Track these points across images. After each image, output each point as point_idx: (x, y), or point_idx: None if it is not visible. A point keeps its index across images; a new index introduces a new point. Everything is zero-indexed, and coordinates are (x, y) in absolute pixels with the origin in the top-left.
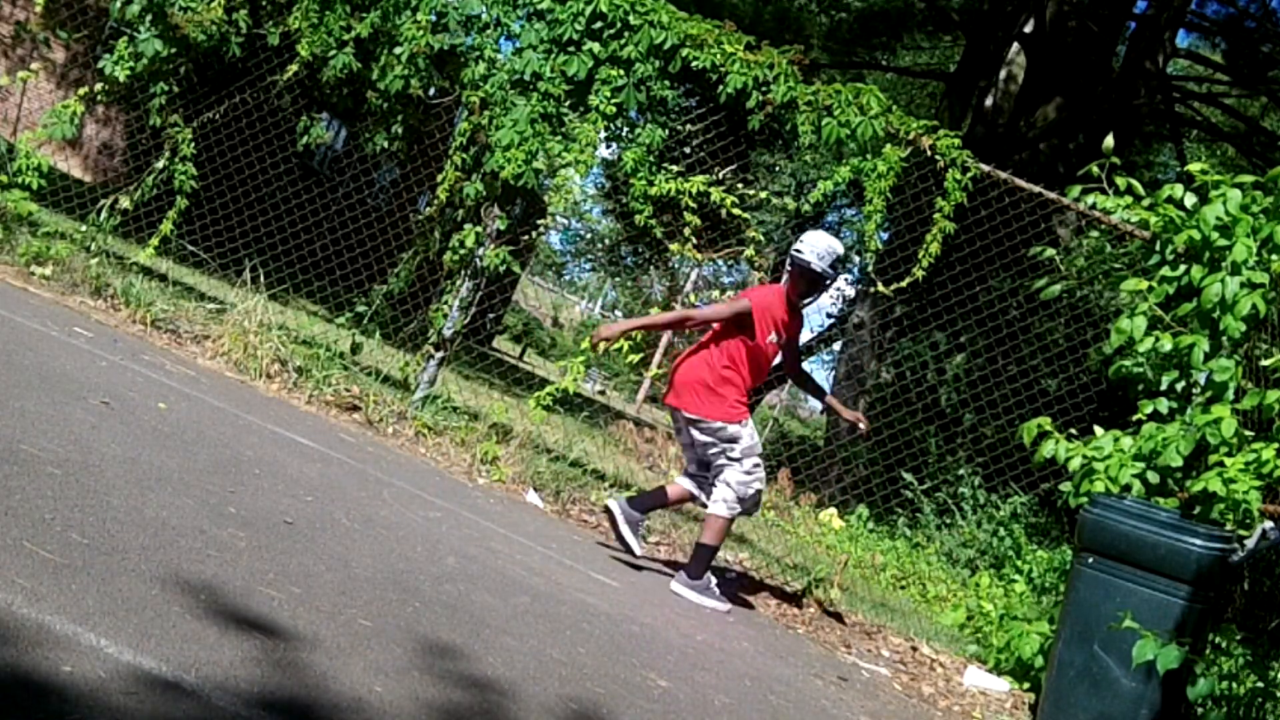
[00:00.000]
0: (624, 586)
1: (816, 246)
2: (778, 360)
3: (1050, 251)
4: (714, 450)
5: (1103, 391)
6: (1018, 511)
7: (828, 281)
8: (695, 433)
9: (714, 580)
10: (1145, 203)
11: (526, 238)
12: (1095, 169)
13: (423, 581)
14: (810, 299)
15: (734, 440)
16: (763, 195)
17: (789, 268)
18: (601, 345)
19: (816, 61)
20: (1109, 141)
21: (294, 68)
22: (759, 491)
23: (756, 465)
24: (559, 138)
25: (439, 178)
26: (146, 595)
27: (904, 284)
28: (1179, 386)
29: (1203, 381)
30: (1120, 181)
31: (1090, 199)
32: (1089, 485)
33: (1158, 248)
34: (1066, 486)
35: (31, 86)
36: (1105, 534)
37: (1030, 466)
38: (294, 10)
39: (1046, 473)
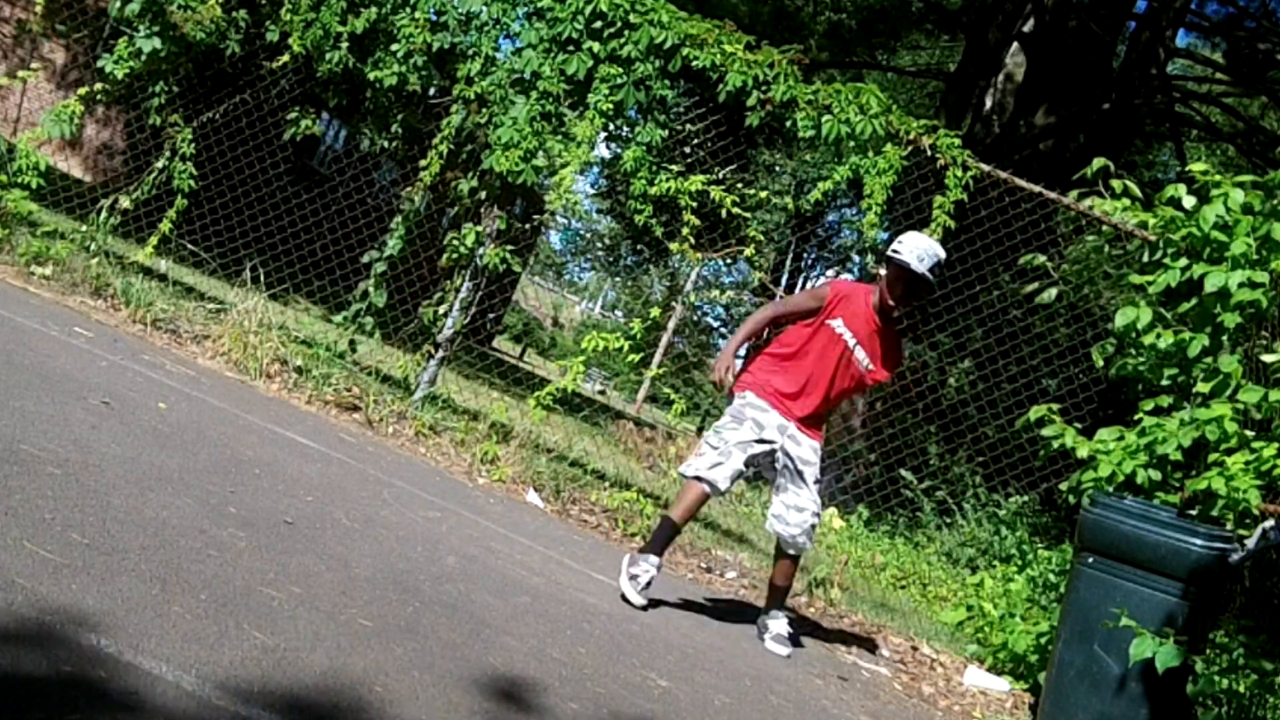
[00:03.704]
0: None
1: (916, 247)
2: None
3: (1040, 259)
4: None
5: (1103, 391)
6: (1019, 510)
7: (925, 286)
8: None
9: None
10: (1141, 203)
11: (525, 235)
12: (1090, 173)
13: (423, 581)
14: (904, 305)
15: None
16: (762, 195)
17: (884, 270)
18: (728, 381)
19: (816, 61)
20: (1099, 159)
21: (284, 58)
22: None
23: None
24: (559, 137)
25: (422, 163)
26: (146, 595)
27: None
28: (1180, 381)
29: (1202, 377)
30: (1116, 185)
31: (1088, 202)
32: (1093, 474)
33: (1160, 245)
34: (1068, 484)
35: (31, 86)
36: (1105, 534)
37: (1032, 465)
38: (286, 4)
39: (1047, 472)
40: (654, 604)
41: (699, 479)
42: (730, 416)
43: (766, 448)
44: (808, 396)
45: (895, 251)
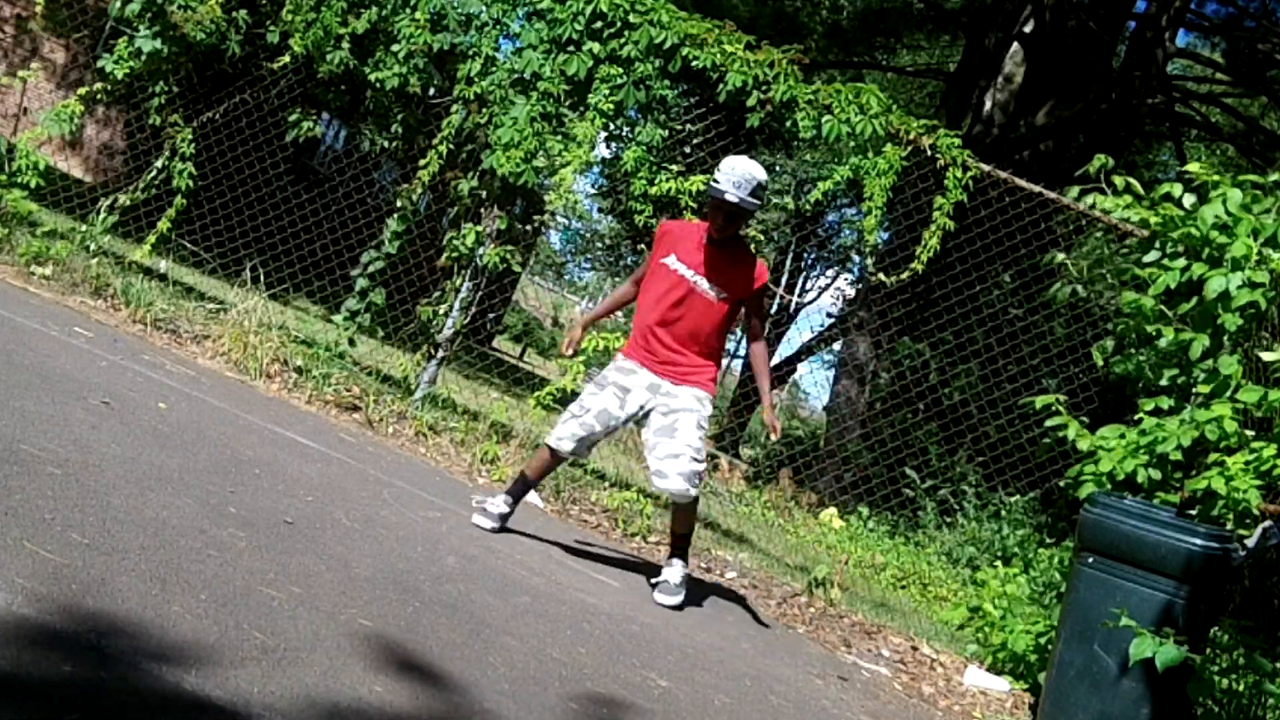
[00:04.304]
0: (624, 586)
1: (733, 173)
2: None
3: (1060, 257)
4: None
5: (1103, 391)
6: (1020, 509)
7: (746, 212)
8: None
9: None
10: (1146, 202)
11: (525, 235)
12: (1092, 170)
13: (423, 581)
14: (727, 232)
15: None
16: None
17: (708, 199)
18: (570, 350)
19: (816, 61)
20: (1100, 156)
21: (284, 59)
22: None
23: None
24: (559, 137)
25: (421, 161)
26: (147, 595)
27: (904, 275)
28: (1180, 382)
29: (1203, 378)
30: (1119, 181)
31: (1090, 199)
32: (1094, 468)
33: (1157, 245)
34: (1067, 476)
35: (31, 86)
36: (1105, 534)
37: (1033, 465)
38: (287, 5)
39: (1047, 471)
40: (654, 604)
41: (549, 446)
42: (594, 384)
43: (636, 411)
44: (669, 343)
45: (715, 181)
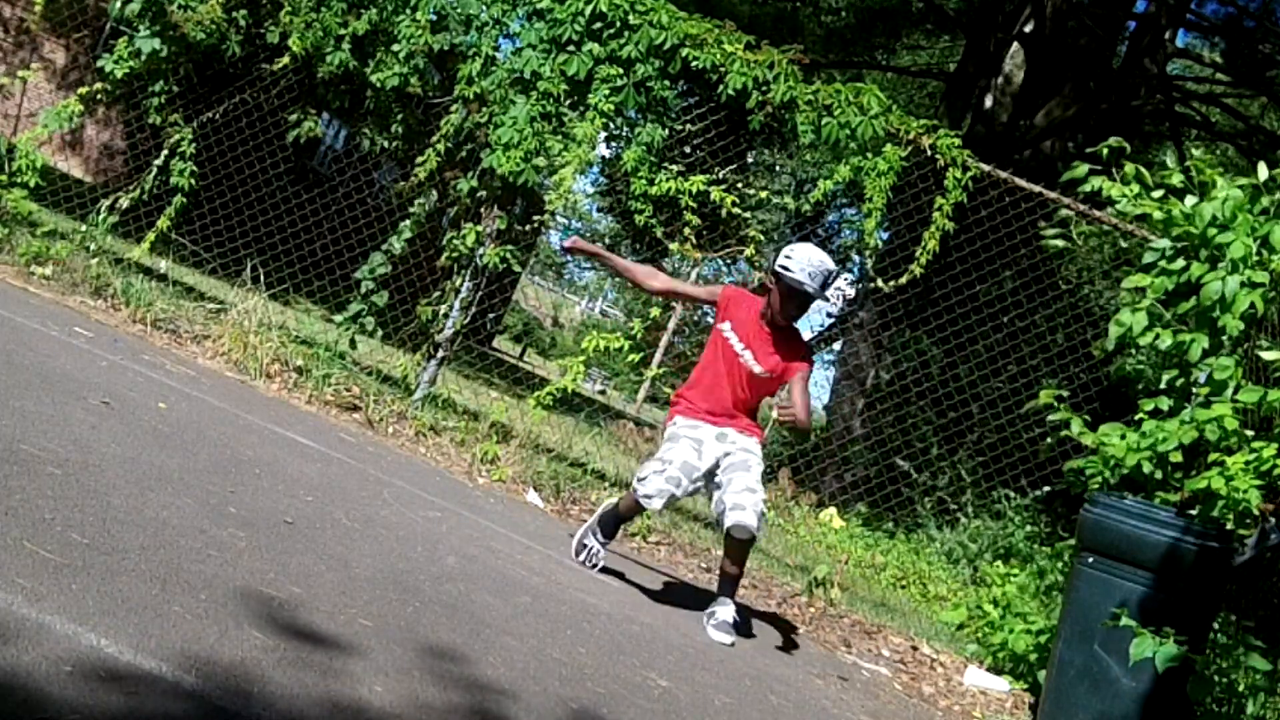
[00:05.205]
0: (624, 586)
1: (809, 265)
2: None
3: (1066, 211)
4: None
5: (1103, 391)
6: (1020, 509)
7: (814, 302)
8: None
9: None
10: (1156, 194)
11: (525, 234)
12: (1105, 150)
13: (423, 581)
14: (796, 319)
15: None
16: (762, 195)
17: (773, 283)
18: (568, 245)
19: (816, 60)
20: (1114, 139)
21: (284, 60)
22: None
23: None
24: (559, 137)
25: (418, 159)
26: (146, 595)
27: (902, 280)
28: (1179, 384)
29: (1202, 380)
30: (1129, 169)
31: (1097, 182)
32: (1102, 454)
33: (1154, 242)
34: (1074, 464)
35: (31, 86)
36: (1105, 534)
37: (1033, 465)
38: (286, 5)
39: (1047, 471)
40: (654, 604)
41: (637, 496)
42: (668, 440)
43: (712, 463)
44: (721, 405)
45: (785, 269)
